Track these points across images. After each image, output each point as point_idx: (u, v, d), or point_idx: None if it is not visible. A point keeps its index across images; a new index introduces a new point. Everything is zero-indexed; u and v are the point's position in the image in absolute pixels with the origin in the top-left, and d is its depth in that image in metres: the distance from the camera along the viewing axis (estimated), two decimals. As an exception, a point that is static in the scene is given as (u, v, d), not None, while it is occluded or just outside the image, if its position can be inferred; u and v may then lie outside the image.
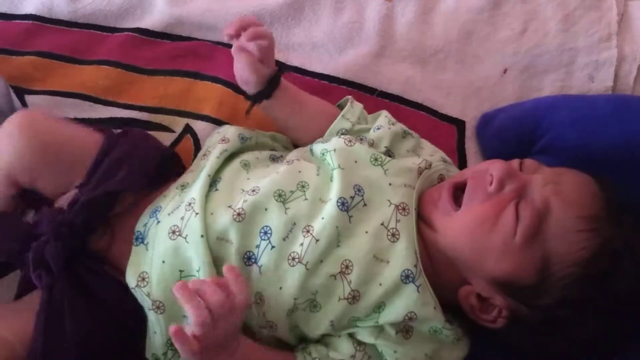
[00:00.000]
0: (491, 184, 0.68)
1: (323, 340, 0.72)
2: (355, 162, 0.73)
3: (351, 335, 0.70)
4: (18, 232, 0.72)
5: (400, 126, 0.83)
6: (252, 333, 0.71)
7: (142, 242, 0.72)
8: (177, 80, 0.97)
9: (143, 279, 0.70)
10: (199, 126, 0.93)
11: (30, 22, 1.00)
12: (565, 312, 0.66)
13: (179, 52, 0.99)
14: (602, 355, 0.70)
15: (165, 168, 0.81)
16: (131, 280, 0.70)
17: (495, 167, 0.68)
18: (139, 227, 0.73)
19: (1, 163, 0.75)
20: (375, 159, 0.74)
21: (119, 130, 0.85)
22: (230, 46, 0.97)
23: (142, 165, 0.77)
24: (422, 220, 0.71)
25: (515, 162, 0.71)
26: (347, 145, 0.74)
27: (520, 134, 0.89)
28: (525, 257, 0.65)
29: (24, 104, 0.94)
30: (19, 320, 0.70)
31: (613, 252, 0.64)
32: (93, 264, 0.72)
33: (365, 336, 0.69)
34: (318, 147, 0.77)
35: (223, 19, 0.99)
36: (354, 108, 0.82)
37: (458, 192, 0.71)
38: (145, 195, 0.78)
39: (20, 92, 0.94)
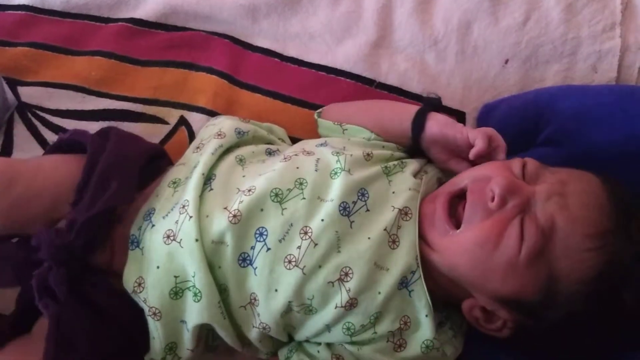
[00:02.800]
0: (492, 199, 0.64)
1: (303, 348, 0.71)
2: (366, 169, 0.71)
3: (330, 347, 0.70)
4: (16, 260, 0.69)
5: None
6: (241, 334, 0.70)
7: (137, 246, 0.70)
8: (172, 71, 0.95)
9: (139, 285, 0.68)
10: (193, 118, 0.91)
11: (23, 12, 0.99)
12: (572, 323, 0.64)
13: (174, 43, 0.97)
14: (607, 353, 0.68)
15: (154, 168, 0.78)
16: (128, 285, 0.68)
17: (497, 183, 0.64)
18: (134, 230, 0.71)
19: None
20: (386, 168, 0.72)
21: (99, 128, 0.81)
22: (225, 36, 0.98)
23: (131, 172, 0.74)
24: (420, 237, 0.68)
25: (517, 165, 0.68)
26: (365, 159, 0.72)
27: (523, 125, 0.87)
28: (530, 276, 0.63)
29: (17, 95, 0.93)
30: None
31: (621, 265, 0.62)
32: (97, 279, 0.70)
33: (352, 345, 0.68)
34: (330, 148, 0.74)
35: (218, 9, 0.98)
36: None
37: (455, 200, 0.68)
38: (134, 200, 0.75)
39: (13, 84, 0.93)
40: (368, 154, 0.73)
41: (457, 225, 0.66)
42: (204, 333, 0.72)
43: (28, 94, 0.93)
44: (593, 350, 0.68)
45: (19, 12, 0.99)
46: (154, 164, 0.79)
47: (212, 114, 0.90)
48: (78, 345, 0.66)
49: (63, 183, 0.73)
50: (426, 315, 0.66)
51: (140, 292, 0.67)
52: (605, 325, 0.65)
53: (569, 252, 0.62)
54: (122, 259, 0.70)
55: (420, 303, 0.66)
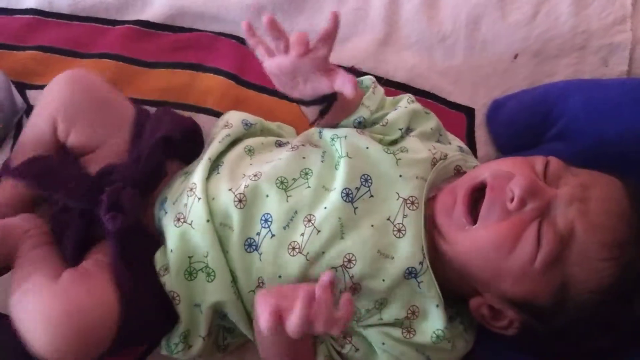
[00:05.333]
0: (512, 200, 0.62)
1: None
2: (367, 148, 0.70)
3: None
4: (83, 182, 0.72)
5: (419, 105, 0.78)
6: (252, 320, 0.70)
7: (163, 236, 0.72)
8: (179, 72, 0.96)
9: (166, 269, 0.69)
10: (201, 119, 0.91)
11: (31, 16, 1.00)
12: (580, 329, 0.64)
13: (181, 44, 0.98)
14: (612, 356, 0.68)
15: (195, 138, 0.84)
16: (157, 268, 0.70)
17: (518, 183, 0.62)
18: (156, 222, 0.74)
19: (49, 105, 0.79)
20: (388, 147, 0.71)
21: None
22: (231, 36, 0.98)
23: (180, 121, 0.81)
24: (433, 225, 0.67)
25: (539, 164, 0.65)
26: (359, 132, 0.72)
27: (533, 120, 0.86)
28: (543, 281, 0.62)
29: (25, 99, 0.93)
30: (96, 282, 0.67)
31: (635, 274, 0.61)
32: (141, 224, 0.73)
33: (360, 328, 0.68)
34: (328, 131, 0.74)
35: (225, 9, 0.98)
36: (375, 94, 0.76)
37: (475, 194, 0.66)
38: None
39: (22, 87, 0.94)
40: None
41: (475, 220, 0.65)
42: (215, 329, 0.73)
43: (37, 97, 0.92)
44: (599, 354, 0.67)
45: (27, 16, 1.00)
46: (194, 133, 0.84)
47: (219, 114, 0.90)
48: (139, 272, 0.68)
49: (128, 115, 0.81)
50: (437, 306, 0.66)
51: (164, 275, 0.69)
52: (613, 331, 0.64)
53: (585, 260, 0.60)
54: (149, 215, 0.75)
55: (430, 293, 0.65)
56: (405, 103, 0.77)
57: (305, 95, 0.67)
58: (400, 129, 0.74)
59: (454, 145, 0.79)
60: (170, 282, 0.68)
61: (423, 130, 0.75)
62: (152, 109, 0.91)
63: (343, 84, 0.61)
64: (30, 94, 0.93)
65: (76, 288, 0.64)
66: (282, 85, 0.66)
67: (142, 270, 0.69)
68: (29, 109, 0.92)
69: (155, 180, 0.75)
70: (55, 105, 0.78)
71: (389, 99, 0.80)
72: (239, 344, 0.75)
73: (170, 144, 0.76)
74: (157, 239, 0.73)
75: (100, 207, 0.68)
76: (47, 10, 1.00)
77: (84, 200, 0.71)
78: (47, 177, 0.71)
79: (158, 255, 0.71)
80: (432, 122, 0.77)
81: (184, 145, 0.79)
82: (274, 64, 0.64)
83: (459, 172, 0.73)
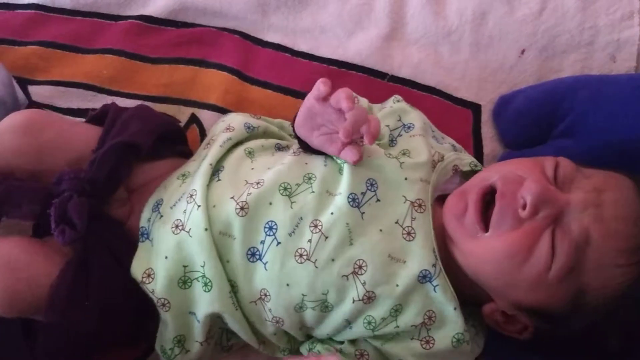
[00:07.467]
0: (523, 207, 0.60)
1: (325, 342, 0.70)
2: (369, 156, 0.69)
3: (353, 343, 0.68)
4: (37, 193, 0.70)
5: (405, 103, 0.79)
6: (255, 329, 0.70)
7: (147, 237, 0.71)
8: (182, 68, 0.95)
9: (149, 276, 0.68)
10: (204, 115, 0.91)
11: (33, 11, 0.99)
12: (594, 332, 0.63)
13: (184, 39, 0.97)
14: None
15: (174, 137, 0.81)
16: (137, 275, 0.68)
17: (529, 190, 0.60)
18: (143, 222, 0.72)
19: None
20: (390, 153, 0.70)
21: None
22: (235, 32, 0.97)
23: (152, 122, 0.78)
24: (444, 232, 0.66)
25: (549, 166, 0.64)
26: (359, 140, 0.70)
27: (540, 116, 0.85)
28: (558, 290, 0.60)
29: (27, 95, 0.92)
30: (50, 262, 0.68)
31: None
32: (116, 227, 0.72)
33: (376, 340, 0.67)
34: None
35: (228, 4, 0.97)
36: (359, 103, 0.76)
37: (486, 197, 0.64)
38: (159, 174, 0.77)
39: (24, 83, 0.93)
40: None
41: (486, 226, 0.63)
42: (217, 332, 0.72)
43: (39, 93, 0.93)
44: (612, 355, 0.66)
45: (29, 11, 0.99)
46: (173, 132, 0.82)
47: (222, 111, 0.90)
48: (91, 278, 0.67)
49: (91, 141, 0.75)
50: (455, 309, 0.64)
51: (149, 283, 0.67)
52: (628, 333, 0.63)
53: (600, 267, 0.59)
54: (137, 222, 0.72)
55: (446, 296, 0.64)
56: (391, 103, 0.78)
57: (312, 143, 0.68)
58: (387, 126, 0.74)
59: (447, 145, 0.78)
60: (160, 289, 0.67)
61: (421, 125, 0.75)
62: (154, 105, 0.91)
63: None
64: (32, 89, 0.93)
65: (18, 247, 0.68)
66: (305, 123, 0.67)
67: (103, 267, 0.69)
68: (31, 104, 0.92)
69: (110, 185, 0.72)
70: (7, 160, 0.73)
71: (376, 105, 0.80)
72: (244, 343, 0.74)
73: (134, 148, 0.73)
74: (133, 237, 0.72)
75: (49, 223, 0.67)
76: (49, 5, 0.99)
77: (29, 219, 0.70)
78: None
79: (136, 263, 0.69)
80: (421, 115, 0.77)
81: (161, 145, 0.78)
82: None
83: (456, 171, 0.72)
